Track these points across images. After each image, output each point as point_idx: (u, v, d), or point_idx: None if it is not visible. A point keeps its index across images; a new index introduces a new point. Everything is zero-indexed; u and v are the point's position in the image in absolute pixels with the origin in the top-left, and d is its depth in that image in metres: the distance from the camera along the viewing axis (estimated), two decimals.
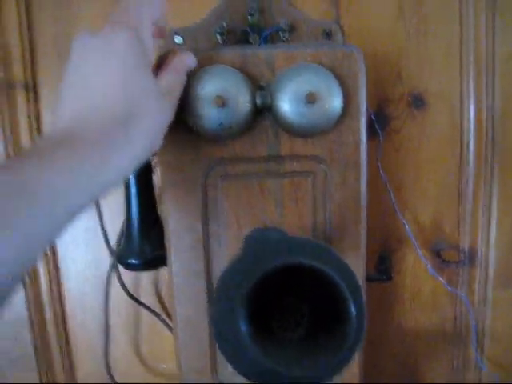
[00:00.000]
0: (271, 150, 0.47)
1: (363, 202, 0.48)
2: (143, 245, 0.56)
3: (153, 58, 0.39)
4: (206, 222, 0.48)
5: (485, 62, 0.65)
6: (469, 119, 0.66)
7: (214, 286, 0.49)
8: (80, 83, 0.36)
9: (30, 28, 0.64)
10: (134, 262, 0.57)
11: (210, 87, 0.42)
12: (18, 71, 0.65)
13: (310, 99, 0.42)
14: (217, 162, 0.47)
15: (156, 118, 0.37)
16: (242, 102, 0.43)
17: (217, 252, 0.49)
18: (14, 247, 0.27)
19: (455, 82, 0.65)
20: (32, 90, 0.65)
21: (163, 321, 0.68)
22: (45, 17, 0.64)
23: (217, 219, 0.48)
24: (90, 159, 0.32)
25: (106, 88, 0.35)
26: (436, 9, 0.64)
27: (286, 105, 0.43)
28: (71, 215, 0.32)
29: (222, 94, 0.42)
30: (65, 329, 0.72)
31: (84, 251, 0.69)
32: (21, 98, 0.65)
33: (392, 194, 0.61)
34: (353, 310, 0.28)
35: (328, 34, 0.60)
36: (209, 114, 0.42)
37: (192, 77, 0.43)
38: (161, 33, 0.43)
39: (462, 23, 0.64)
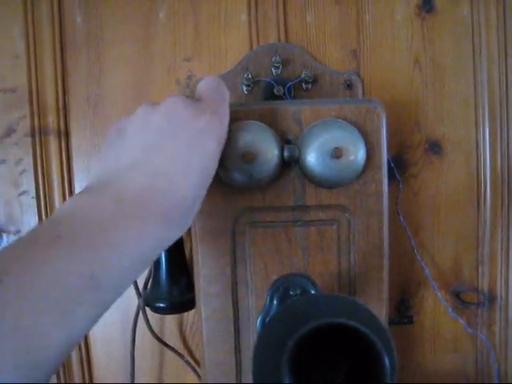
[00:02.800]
0: (297, 200, 0.49)
1: (386, 249, 0.50)
2: (171, 289, 0.59)
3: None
4: (234, 269, 0.50)
5: (499, 110, 0.67)
6: (485, 165, 0.68)
7: (242, 331, 0.51)
8: (136, 146, 0.38)
9: (64, 76, 0.68)
10: (161, 305, 0.59)
11: (240, 143, 0.44)
12: (51, 119, 0.68)
13: (337, 154, 0.44)
14: (245, 210, 0.49)
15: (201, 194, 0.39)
16: (271, 156, 0.45)
17: (244, 297, 0.51)
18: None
19: (471, 129, 0.68)
20: (64, 137, 0.68)
21: (187, 362, 0.69)
22: (78, 66, 0.68)
23: (245, 265, 0.50)
24: (155, 235, 0.34)
25: (165, 163, 0.37)
26: (450, 59, 0.67)
27: (313, 159, 0.45)
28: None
29: (252, 149, 0.44)
30: (89, 370, 0.73)
31: None
32: (53, 144, 0.68)
33: (411, 238, 0.63)
34: (388, 364, 0.30)
35: (349, 85, 0.63)
36: (239, 168, 0.45)
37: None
38: None
39: (475, 73, 0.67)
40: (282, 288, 0.49)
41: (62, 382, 0.72)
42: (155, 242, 0.34)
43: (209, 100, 0.41)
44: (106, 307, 0.32)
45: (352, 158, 0.45)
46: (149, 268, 0.65)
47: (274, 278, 0.49)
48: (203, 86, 0.42)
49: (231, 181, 0.46)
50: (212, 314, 0.51)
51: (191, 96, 0.42)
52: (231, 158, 0.44)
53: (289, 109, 0.48)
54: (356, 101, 0.55)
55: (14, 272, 0.28)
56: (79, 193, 0.36)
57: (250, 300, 0.51)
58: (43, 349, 0.27)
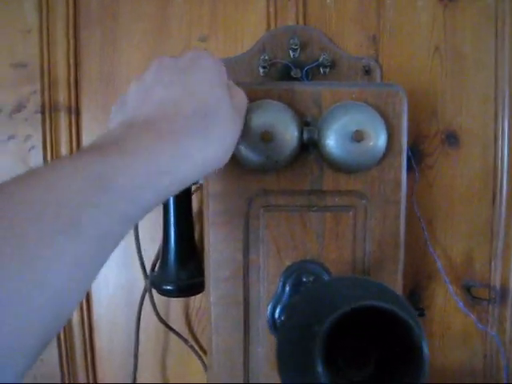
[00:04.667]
0: (314, 184, 0.47)
1: (402, 238, 0.49)
2: (179, 272, 0.57)
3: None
4: (246, 253, 0.49)
5: None
6: (502, 158, 0.66)
7: (251, 317, 0.50)
8: (157, 84, 0.37)
9: (76, 53, 0.66)
10: (169, 288, 0.58)
11: (258, 121, 0.43)
12: (62, 95, 0.67)
13: (358, 137, 0.43)
14: (260, 192, 0.48)
15: (230, 127, 0.37)
16: (289, 137, 0.44)
17: (256, 283, 0.49)
18: (85, 249, 0.25)
19: (489, 121, 0.66)
20: (75, 113, 0.67)
21: (191, 347, 0.68)
22: (91, 41, 0.66)
23: (257, 250, 0.49)
24: (171, 149, 0.32)
25: (188, 87, 0.36)
26: (472, 48, 0.65)
27: (333, 142, 0.44)
28: (141, 214, 0.31)
29: (270, 128, 0.43)
30: (92, 351, 0.72)
31: (116, 274, 0.70)
32: (64, 121, 0.67)
33: (425, 230, 0.62)
34: (426, 350, 0.29)
35: (367, 71, 0.61)
36: (256, 148, 0.43)
37: None
38: None
39: (497, 64, 0.65)
40: (295, 274, 0.48)
41: (65, 365, 0.71)
42: (174, 157, 0.32)
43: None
44: (121, 217, 0.28)
45: (372, 142, 0.44)
46: (157, 250, 0.64)
47: (288, 263, 0.48)
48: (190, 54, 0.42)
49: (247, 161, 0.45)
50: (221, 299, 0.49)
51: None
52: (249, 137, 0.43)
53: (308, 90, 0.47)
54: (377, 84, 0.53)
55: (11, 181, 0.25)
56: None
57: (262, 286, 0.49)
58: (50, 260, 0.23)
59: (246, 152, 0.44)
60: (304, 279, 0.47)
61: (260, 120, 0.43)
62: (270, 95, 0.46)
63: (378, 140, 0.44)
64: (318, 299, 0.32)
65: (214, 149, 0.35)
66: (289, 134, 0.44)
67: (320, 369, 0.29)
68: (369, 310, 0.29)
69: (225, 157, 0.37)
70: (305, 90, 0.47)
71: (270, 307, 0.48)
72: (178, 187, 0.33)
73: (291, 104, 0.46)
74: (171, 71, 0.38)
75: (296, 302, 0.33)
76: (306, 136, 0.45)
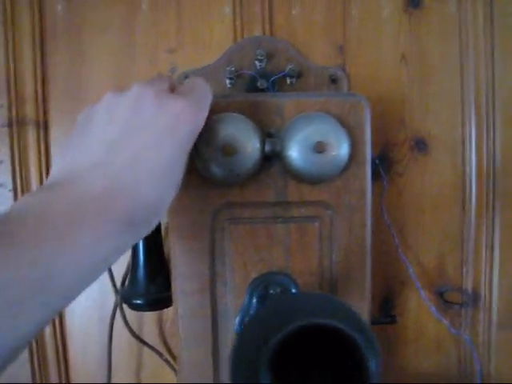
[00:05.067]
0: (279, 196, 0.47)
1: (368, 247, 0.49)
2: (149, 286, 0.57)
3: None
4: (212, 266, 0.49)
5: (485, 109, 0.66)
6: (470, 163, 0.67)
7: (220, 330, 0.50)
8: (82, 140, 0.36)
9: (43, 66, 0.66)
10: (138, 302, 0.58)
11: (220, 135, 0.43)
12: (30, 109, 0.66)
13: (320, 148, 0.43)
14: (224, 205, 0.48)
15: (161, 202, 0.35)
16: (251, 149, 0.44)
17: (223, 295, 0.49)
18: None
19: (457, 127, 0.67)
20: (43, 127, 0.66)
21: (166, 360, 0.68)
22: (58, 55, 0.66)
23: (223, 263, 0.49)
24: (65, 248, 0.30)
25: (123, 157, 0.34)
26: (437, 55, 0.66)
27: (295, 153, 0.44)
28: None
29: (232, 142, 0.43)
30: (66, 364, 0.71)
31: (89, 288, 0.69)
32: (32, 135, 0.66)
33: (395, 237, 0.62)
34: (373, 365, 0.29)
35: (334, 80, 0.62)
36: (218, 162, 0.43)
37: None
38: None
39: (462, 71, 0.66)
40: (262, 286, 0.48)
41: (38, 378, 0.70)
42: (115, 246, 0.32)
43: (184, 89, 0.38)
44: (55, 312, 0.30)
45: (335, 152, 0.44)
46: (127, 264, 0.63)
47: (254, 275, 0.48)
48: (186, 86, 0.40)
49: (210, 175, 0.45)
50: (189, 313, 0.49)
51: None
52: (210, 151, 0.43)
53: (271, 101, 0.47)
54: (340, 95, 0.54)
55: None
56: (37, 189, 0.34)
57: (229, 298, 0.49)
58: None
59: (208, 166, 0.44)
60: (271, 291, 0.47)
61: (221, 134, 0.43)
62: (233, 108, 0.46)
63: (341, 150, 0.45)
64: (276, 314, 0.32)
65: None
66: (250, 146, 0.44)
67: (266, 382, 0.29)
68: (319, 327, 0.29)
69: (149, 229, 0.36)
70: (268, 101, 0.47)
71: (237, 320, 0.48)
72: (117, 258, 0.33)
73: (254, 116, 0.46)
74: (116, 127, 0.35)
75: (254, 316, 0.33)
76: (268, 148, 0.45)
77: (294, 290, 0.47)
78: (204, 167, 0.44)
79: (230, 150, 0.43)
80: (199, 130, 0.38)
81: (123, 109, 0.35)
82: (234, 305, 0.49)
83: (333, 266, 0.49)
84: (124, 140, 0.34)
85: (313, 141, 0.43)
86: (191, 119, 0.36)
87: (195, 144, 0.41)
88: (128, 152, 0.33)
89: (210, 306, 0.49)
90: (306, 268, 0.49)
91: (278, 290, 0.47)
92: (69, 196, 0.31)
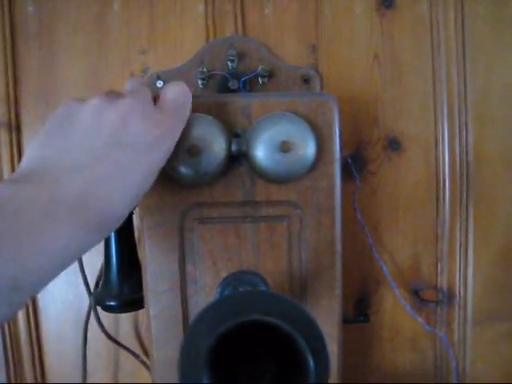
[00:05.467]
0: (247, 195, 0.47)
1: (338, 246, 0.49)
2: (122, 287, 0.57)
3: None
4: (183, 265, 0.49)
5: (457, 107, 0.67)
6: (443, 162, 0.68)
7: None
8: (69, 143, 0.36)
9: (14, 69, 0.66)
10: (112, 303, 0.57)
11: (185, 136, 0.43)
12: (1, 111, 0.66)
13: (285, 148, 0.43)
14: (193, 206, 0.48)
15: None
16: (218, 149, 0.44)
17: (194, 295, 0.49)
18: None
19: (430, 126, 0.67)
20: (15, 130, 0.66)
21: (142, 362, 0.68)
22: (29, 57, 0.66)
23: (194, 262, 0.49)
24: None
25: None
26: (410, 55, 0.67)
27: (261, 153, 0.44)
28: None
29: (198, 142, 0.43)
30: (42, 368, 0.71)
31: (64, 291, 0.69)
32: (3, 137, 0.66)
33: (369, 236, 0.62)
34: (311, 364, 0.29)
35: (306, 80, 0.62)
36: (184, 162, 0.43)
37: None
38: None
39: (434, 70, 0.67)
40: (232, 286, 0.48)
41: (13, 380, 0.70)
42: (80, 247, 0.33)
43: (167, 104, 0.40)
44: (20, 307, 0.32)
45: (301, 152, 0.44)
46: (101, 266, 0.63)
47: (224, 275, 0.48)
48: (169, 94, 0.41)
49: (177, 175, 0.45)
50: (160, 313, 0.49)
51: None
52: (176, 152, 0.43)
53: (238, 102, 0.47)
54: (308, 94, 0.54)
55: None
56: (11, 179, 0.33)
57: (200, 298, 0.49)
58: None
59: (175, 167, 0.44)
60: (241, 290, 0.47)
61: (187, 134, 0.43)
62: (200, 108, 0.46)
63: (307, 149, 0.45)
64: (221, 312, 0.32)
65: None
66: (217, 146, 0.44)
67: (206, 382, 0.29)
68: (263, 324, 0.29)
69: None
70: (235, 101, 0.47)
71: None
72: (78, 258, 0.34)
73: (221, 116, 0.46)
74: (102, 137, 0.36)
75: (200, 314, 0.33)
76: (234, 148, 0.45)
77: (263, 289, 0.47)
78: (171, 168, 0.44)
79: (195, 151, 0.43)
80: (171, 150, 0.39)
81: (111, 121, 0.36)
82: (205, 304, 0.49)
83: (302, 265, 0.49)
84: (108, 151, 0.35)
85: (278, 140, 0.44)
86: (173, 134, 0.39)
87: None
88: (110, 163, 0.35)
89: (180, 305, 0.49)
90: (275, 267, 0.49)
91: (248, 288, 0.47)
92: (44, 193, 0.32)
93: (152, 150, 0.37)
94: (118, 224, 0.36)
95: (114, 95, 0.39)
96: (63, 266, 0.33)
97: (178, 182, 0.46)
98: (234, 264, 0.49)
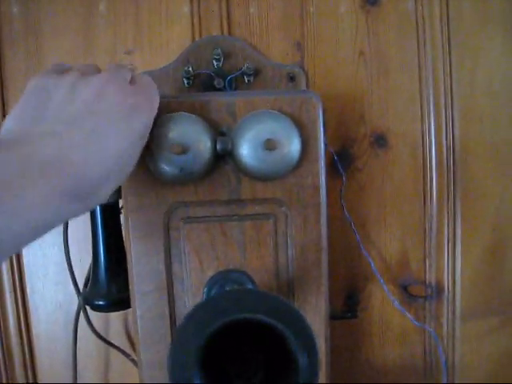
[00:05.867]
0: (232, 194, 0.48)
1: (324, 243, 0.49)
2: (110, 287, 0.57)
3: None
4: (169, 265, 0.49)
5: (444, 104, 0.67)
6: (430, 157, 0.68)
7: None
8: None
9: (1, 71, 0.65)
10: (100, 303, 0.57)
11: (170, 134, 0.43)
12: None
13: (269, 146, 0.43)
14: (178, 205, 0.48)
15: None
16: (203, 148, 0.44)
17: (180, 295, 0.49)
18: None
19: (416, 123, 0.68)
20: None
21: (133, 360, 0.68)
22: (16, 59, 0.65)
23: (180, 262, 0.49)
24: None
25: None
26: (395, 53, 0.67)
27: (246, 151, 0.44)
28: None
29: (183, 140, 0.43)
30: (33, 369, 0.71)
31: (54, 291, 0.69)
32: None
33: (356, 233, 0.63)
34: (302, 362, 0.29)
35: (292, 78, 0.62)
36: (169, 161, 0.43)
37: (154, 124, 0.43)
38: None
39: (420, 67, 0.67)
40: (219, 285, 0.48)
41: (4, 381, 0.70)
42: (55, 214, 0.33)
43: (142, 84, 0.41)
44: None
45: (285, 149, 0.45)
46: (89, 266, 0.63)
47: (210, 274, 0.48)
48: (140, 78, 0.42)
49: (162, 174, 0.45)
50: (147, 313, 0.49)
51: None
52: (161, 151, 0.43)
53: (222, 100, 0.47)
54: (292, 92, 0.54)
55: None
56: None
57: (186, 297, 0.49)
58: None
59: (160, 166, 0.44)
60: (227, 289, 0.47)
61: (171, 133, 0.43)
62: (186, 107, 0.46)
63: (291, 147, 0.45)
64: (210, 311, 0.32)
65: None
66: (202, 145, 0.44)
67: (197, 382, 0.29)
68: (254, 323, 0.30)
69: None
70: (219, 100, 0.47)
71: None
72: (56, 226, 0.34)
73: (206, 115, 0.46)
74: (78, 106, 0.37)
75: (189, 314, 0.33)
76: (219, 146, 0.45)
77: (250, 287, 0.48)
78: (156, 167, 0.44)
79: (180, 149, 0.43)
80: (151, 123, 0.40)
81: (88, 92, 0.37)
82: (192, 303, 0.49)
83: (289, 262, 0.50)
84: (83, 120, 0.36)
85: (262, 138, 0.44)
86: (147, 112, 0.40)
87: (147, 144, 0.42)
88: (85, 131, 0.35)
89: (167, 305, 0.49)
90: (261, 265, 0.49)
91: (235, 287, 0.47)
92: (18, 155, 0.32)
93: (129, 119, 0.38)
94: (97, 195, 0.36)
95: (91, 70, 0.40)
96: (39, 230, 0.33)
97: (162, 181, 0.46)
98: (221, 263, 0.49)
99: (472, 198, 0.69)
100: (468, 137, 0.68)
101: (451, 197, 0.69)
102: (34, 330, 0.70)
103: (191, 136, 0.44)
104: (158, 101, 0.42)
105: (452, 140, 0.68)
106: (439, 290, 0.71)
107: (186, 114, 0.45)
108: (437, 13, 0.67)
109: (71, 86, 0.38)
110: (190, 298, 0.49)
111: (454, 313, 0.71)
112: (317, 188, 0.48)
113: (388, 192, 0.68)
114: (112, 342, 0.68)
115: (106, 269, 0.57)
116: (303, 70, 0.65)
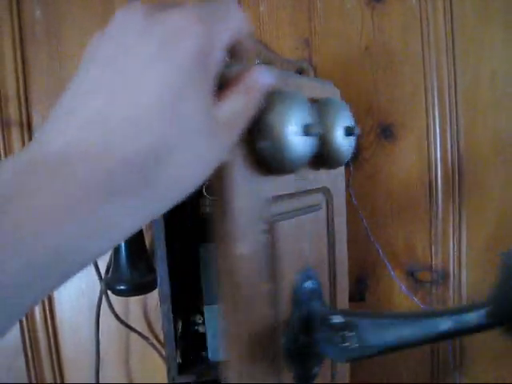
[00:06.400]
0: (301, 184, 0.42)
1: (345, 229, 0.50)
2: (131, 272, 0.60)
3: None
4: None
5: (448, 96, 0.70)
6: (435, 147, 0.71)
7: None
8: (105, 84, 0.25)
9: (24, 70, 0.69)
10: (122, 287, 0.61)
11: (300, 114, 0.34)
12: (13, 111, 0.69)
13: (349, 131, 0.41)
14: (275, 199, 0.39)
15: (199, 160, 0.26)
16: (337, 131, 0.40)
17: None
18: None
19: (421, 114, 0.70)
20: (27, 128, 0.69)
21: (152, 344, 0.71)
22: (38, 58, 0.69)
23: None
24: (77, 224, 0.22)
25: (140, 106, 0.24)
26: (400, 47, 0.70)
27: (338, 138, 0.40)
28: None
29: (315, 122, 0.35)
30: (58, 354, 0.74)
31: (76, 278, 0.72)
32: (16, 136, 0.69)
33: (364, 220, 0.65)
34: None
35: (300, 73, 0.65)
36: (295, 144, 0.34)
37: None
38: (239, 54, 0.30)
39: (424, 60, 0.70)
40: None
41: (31, 367, 0.73)
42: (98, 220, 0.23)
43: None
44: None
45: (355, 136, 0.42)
46: (110, 252, 0.66)
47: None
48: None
49: (275, 161, 0.34)
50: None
51: None
52: (286, 133, 0.33)
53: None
54: (312, 79, 0.55)
55: None
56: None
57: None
58: None
59: (279, 150, 0.34)
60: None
61: (301, 113, 0.34)
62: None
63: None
64: None
65: (159, 205, 0.26)
66: (337, 127, 0.40)
67: None
68: None
69: (188, 190, 0.27)
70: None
71: None
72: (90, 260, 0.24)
73: None
74: (95, 67, 0.26)
75: None
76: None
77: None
78: (277, 150, 0.33)
79: (311, 130, 0.34)
80: (217, 56, 0.26)
81: (103, 48, 0.26)
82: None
83: (330, 251, 0.48)
84: (100, 81, 0.25)
85: (343, 125, 0.41)
86: (197, 32, 0.25)
87: (259, 122, 0.32)
88: (98, 101, 0.25)
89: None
90: (319, 255, 0.46)
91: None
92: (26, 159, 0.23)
93: (165, 56, 0.24)
94: (148, 179, 0.24)
95: None
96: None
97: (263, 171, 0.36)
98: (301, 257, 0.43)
99: (477, 186, 0.72)
100: (472, 128, 0.71)
101: (456, 185, 0.71)
102: (58, 316, 0.74)
103: (323, 118, 0.39)
104: (238, 21, 0.28)
105: (456, 131, 0.70)
106: (445, 275, 0.73)
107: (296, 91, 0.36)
108: (440, 8, 0.69)
109: (89, 52, 0.27)
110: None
111: (460, 297, 0.74)
112: (342, 175, 0.48)
113: (395, 181, 0.71)
114: (132, 326, 0.71)
115: (127, 254, 0.60)
116: (311, 64, 0.68)
